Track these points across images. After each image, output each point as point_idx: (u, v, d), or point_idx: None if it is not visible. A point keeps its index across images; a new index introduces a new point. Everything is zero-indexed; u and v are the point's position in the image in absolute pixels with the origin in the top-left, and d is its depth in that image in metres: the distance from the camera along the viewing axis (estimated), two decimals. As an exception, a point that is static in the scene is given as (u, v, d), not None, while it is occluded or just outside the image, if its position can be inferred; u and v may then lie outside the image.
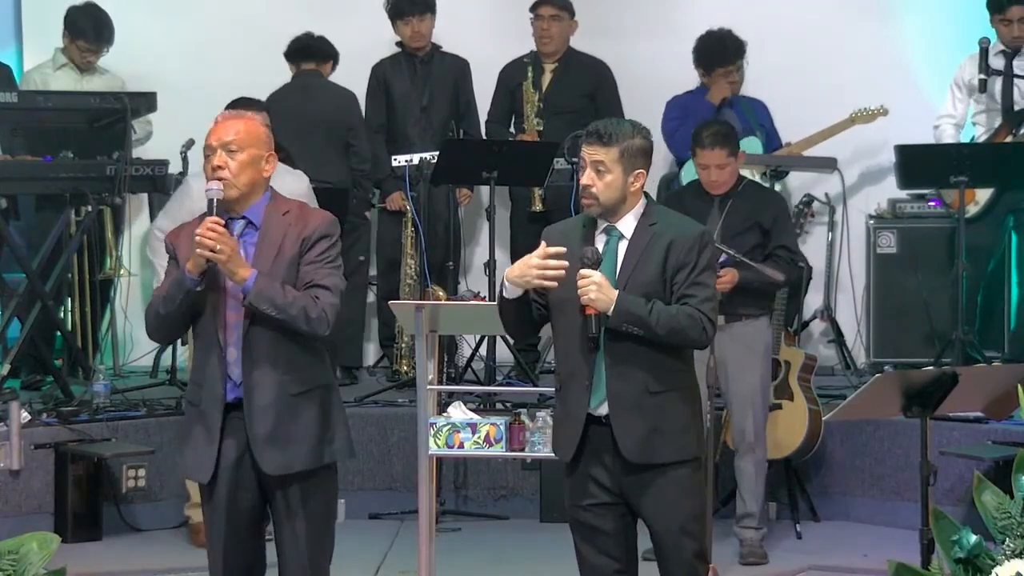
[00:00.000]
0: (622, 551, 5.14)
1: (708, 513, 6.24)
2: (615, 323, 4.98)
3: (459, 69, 9.45)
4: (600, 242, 5.12)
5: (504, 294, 5.11)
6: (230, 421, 5.14)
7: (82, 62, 9.28)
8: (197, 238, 5.02)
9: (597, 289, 4.96)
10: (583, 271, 5.00)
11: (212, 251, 5.01)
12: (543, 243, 5.07)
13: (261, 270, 5.09)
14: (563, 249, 5.02)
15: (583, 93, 9.40)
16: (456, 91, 9.42)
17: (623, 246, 5.11)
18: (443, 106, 9.37)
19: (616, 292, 4.98)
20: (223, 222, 5.07)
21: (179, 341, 8.17)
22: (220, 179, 5.10)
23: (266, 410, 5.11)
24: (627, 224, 5.13)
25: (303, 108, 9.20)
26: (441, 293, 8.62)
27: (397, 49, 9.46)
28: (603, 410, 5.05)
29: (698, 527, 5.15)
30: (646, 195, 5.20)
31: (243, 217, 5.18)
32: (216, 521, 5.21)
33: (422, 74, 9.38)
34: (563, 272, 5.00)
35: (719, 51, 9.21)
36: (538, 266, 5.01)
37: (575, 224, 5.24)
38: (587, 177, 5.09)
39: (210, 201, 5.09)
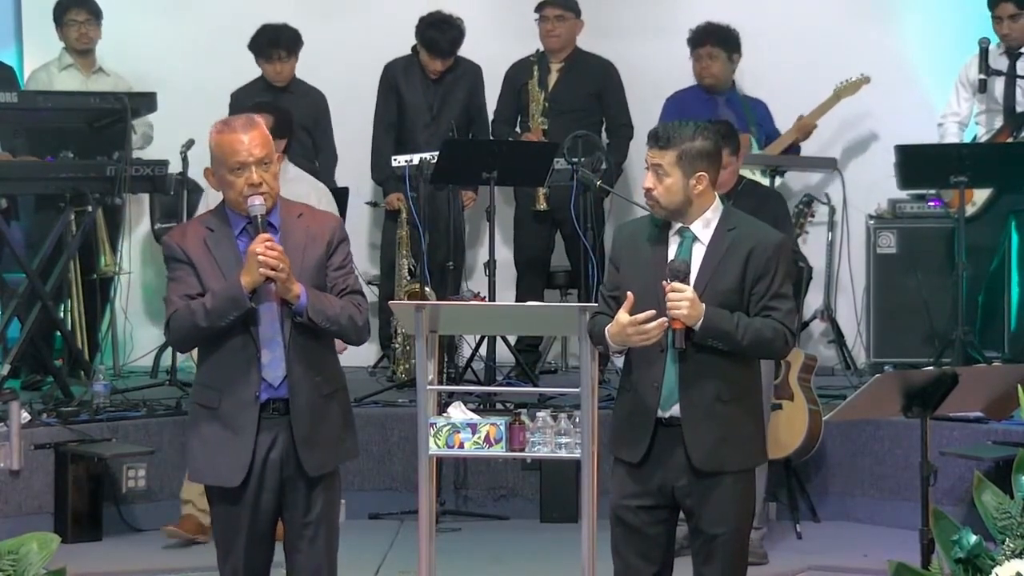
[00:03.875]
0: (661, 554, 5.17)
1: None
2: (701, 338, 4.97)
3: (472, 75, 9.45)
4: (673, 244, 5.10)
5: (609, 352, 5.14)
6: (260, 421, 5.15)
7: (80, 40, 9.27)
8: (260, 258, 5.01)
9: (690, 305, 4.94)
10: (675, 284, 4.95)
11: (273, 269, 5.02)
12: (630, 297, 5.00)
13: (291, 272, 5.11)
14: (653, 312, 4.96)
15: (589, 92, 9.41)
16: (469, 99, 9.42)
17: (698, 250, 5.08)
18: (453, 115, 9.35)
19: (703, 307, 4.95)
20: (274, 239, 5.09)
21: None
22: (262, 194, 5.10)
23: (305, 411, 5.16)
24: (701, 227, 5.09)
25: None
26: (427, 290, 8.67)
27: (409, 51, 9.44)
28: (671, 412, 5.05)
29: (746, 534, 5.20)
30: (722, 198, 5.18)
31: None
32: (239, 524, 5.19)
33: (434, 85, 9.38)
34: (660, 335, 4.97)
35: (705, 31, 9.25)
36: (637, 332, 4.96)
37: (645, 224, 5.19)
38: (648, 180, 5.07)
39: (254, 217, 5.10)
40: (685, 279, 4.99)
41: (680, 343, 4.98)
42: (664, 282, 4.99)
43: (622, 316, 4.99)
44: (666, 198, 5.05)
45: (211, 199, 7.29)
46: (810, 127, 9.26)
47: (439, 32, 9.23)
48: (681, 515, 5.18)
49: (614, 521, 5.18)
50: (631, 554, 5.14)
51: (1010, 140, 8.73)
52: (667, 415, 5.07)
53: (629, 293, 5.02)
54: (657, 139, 5.06)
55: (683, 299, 4.94)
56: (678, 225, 5.11)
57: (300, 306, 5.09)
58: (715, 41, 9.24)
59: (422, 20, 9.28)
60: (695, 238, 5.09)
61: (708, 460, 5.04)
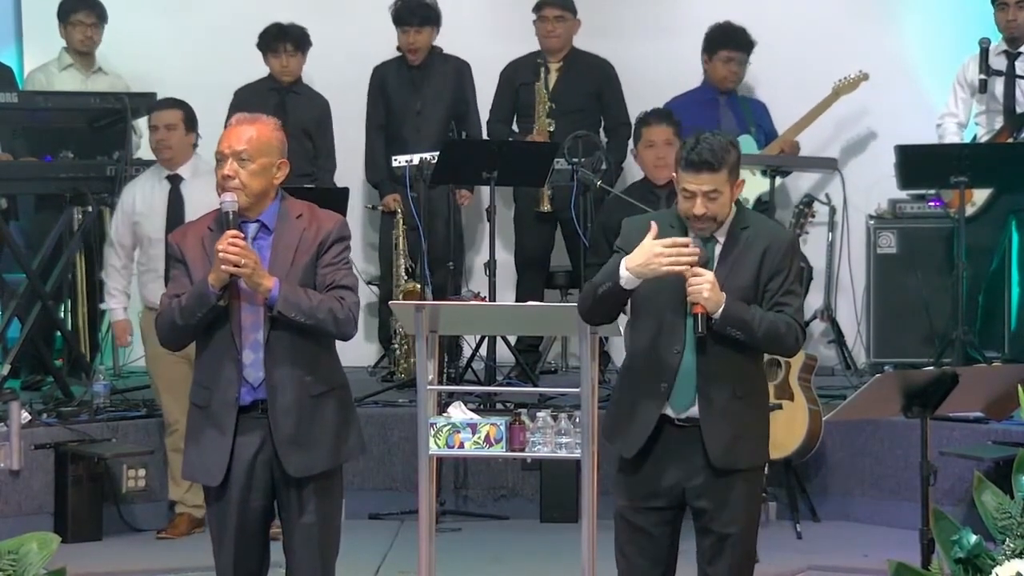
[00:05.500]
0: (666, 555, 5.16)
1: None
2: (721, 325, 4.96)
3: (458, 72, 9.46)
4: (692, 242, 5.06)
5: (621, 283, 4.96)
6: (245, 422, 5.15)
7: (83, 42, 9.26)
8: (220, 254, 5.01)
9: (711, 288, 4.93)
10: (696, 269, 4.93)
11: (236, 266, 5.02)
12: (654, 227, 4.96)
13: (279, 273, 5.10)
14: (689, 239, 4.95)
15: (589, 92, 9.41)
16: (455, 94, 9.43)
17: (716, 248, 5.08)
18: (439, 110, 9.37)
19: (724, 294, 4.95)
20: (243, 235, 5.07)
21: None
22: (231, 188, 5.10)
23: (288, 412, 5.13)
24: (718, 227, 5.09)
25: None
26: (416, 285, 8.68)
27: (397, 52, 9.47)
28: (687, 414, 5.05)
29: (755, 533, 5.21)
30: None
31: (256, 220, 5.18)
32: (227, 523, 5.20)
33: (418, 80, 9.40)
34: (697, 258, 4.93)
35: (728, 34, 9.27)
36: (669, 254, 4.90)
37: (660, 222, 5.10)
38: (700, 206, 4.97)
39: (225, 214, 5.09)
40: (705, 266, 4.98)
41: (701, 329, 4.96)
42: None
43: (648, 241, 4.92)
44: (721, 214, 5.04)
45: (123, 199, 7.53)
46: (794, 146, 9.28)
47: (408, 10, 9.32)
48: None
49: (620, 522, 5.16)
50: (636, 555, 5.14)
51: (1010, 141, 8.72)
52: (683, 416, 5.06)
53: (653, 223, 4.97)
54: (709, 164, 4.96)
55: (705, 283, 4.93)
56: None
57: (271, 299, 5.07)
58: (741, 45, 9.27)
59: (393, 4, 9.37)
60: (712, 237, 5.09)
61: (724, 458, 5.04)
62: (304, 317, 5.09)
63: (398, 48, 9.44)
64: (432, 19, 9.34)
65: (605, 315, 5.13)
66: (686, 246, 4.92)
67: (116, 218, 7.98)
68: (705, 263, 4.99)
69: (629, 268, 4.95)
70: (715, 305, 4.94)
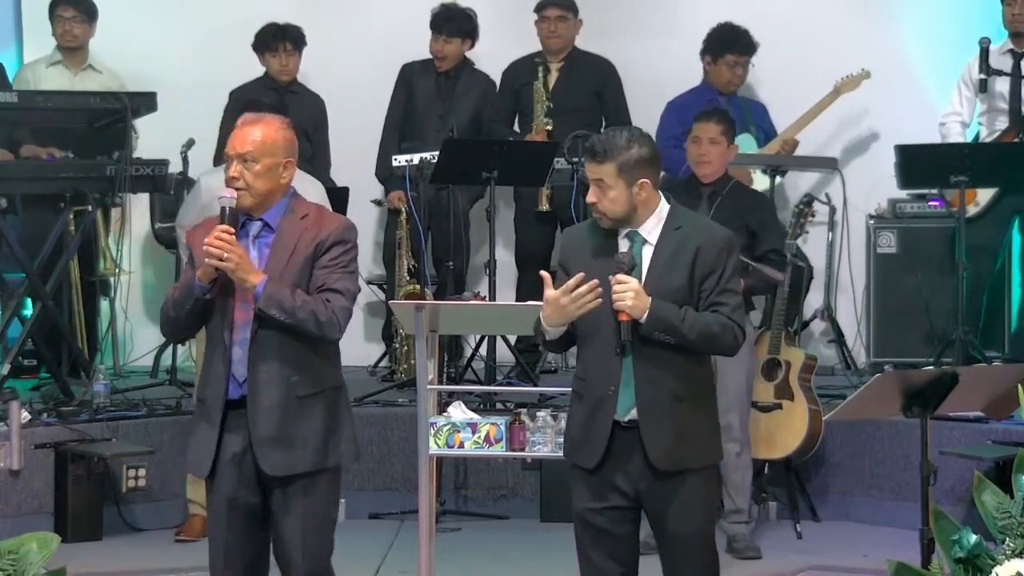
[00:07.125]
0: (629, 555, 5.15)
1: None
2: (647, 330, 4.98)
3: (485, 87, 9.51)
4: (623, 247, 5.10)
5: (547, 337, 5.11)
6: (234, 418, 5.16)
7: (64, 36, 9.26)
8: (205, 247, 5.05)
9: (634, 296, 4.95)
10: (620, 276, 4.98)
11: (220, 259, 5.04)
12: (546, 278, 5.07)
13: (275, 271, 5.12)
14: (582, 275, 5.00)
15: (590, 92, 9.42)
16: (478, 107, 9.45)
17: (647, 251, 5.09)
18: (462, 118, 9.37)
19: (650, 299, 4.96)
20: (233, 231, 5.10)
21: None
22: (236, 189, 5.13)
23: (270, 411, 5.13)
24: (649, 228, 5.10)
25: None
26: (425, 290, 8.67)
27: (424, 56, 9.51)
28: (629, 416, 5.04)
29: (712, 531, 5.20)
30: (667, 197, 5.17)
31: (260, 219, 5.21)
32: (218, 516, 5.23)
33: (446, 87, 9.43)
34: (600, 297, 4.98)
35: (733, 38, 9.26)
36: (573, 300, 4.98)
37: (592, 228, 5.19)
38: (592, 194, 5.09)
39: (223, 209, 5.13)
40: (631, 271, 5.00)
41: (627, 335, 4.98)
42: (611, 276, 5.00)
43: (550, 292, 5.02)
44: (612, 210, 5.08)
45: (202, 192, 7.40)
46: (793, 143, 9.28)
47: (443, 18, 9.37)
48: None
49: (581, 526, 5.14)
50: (600, 556, 5.12)
51: (1016, 141, 8.70)
52: (626, 418, 5.06)
53: (543, 272, 5.11)
54: (594, 154, 5.07)
55: (628, 290, 4.96)
56: (627, 229, 5.13)
57: (255, 295, 5.10)
58: (746, 49, 9.27)
59: (432, 11, 9.40)
60: (645, 240, 5.11)
61: (667, 459, 5.02)
62: (284, 315, 5.09)
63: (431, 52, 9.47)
64: (467, 32, 9.38)
65: (559, 350, 5.32)
66: (578, 286, 4.98)
67: (190, 207, 7.70)
68: (631, 269, 5.01)
69: (548, 322, 5.07)
70: (640, 311, 4.96)
